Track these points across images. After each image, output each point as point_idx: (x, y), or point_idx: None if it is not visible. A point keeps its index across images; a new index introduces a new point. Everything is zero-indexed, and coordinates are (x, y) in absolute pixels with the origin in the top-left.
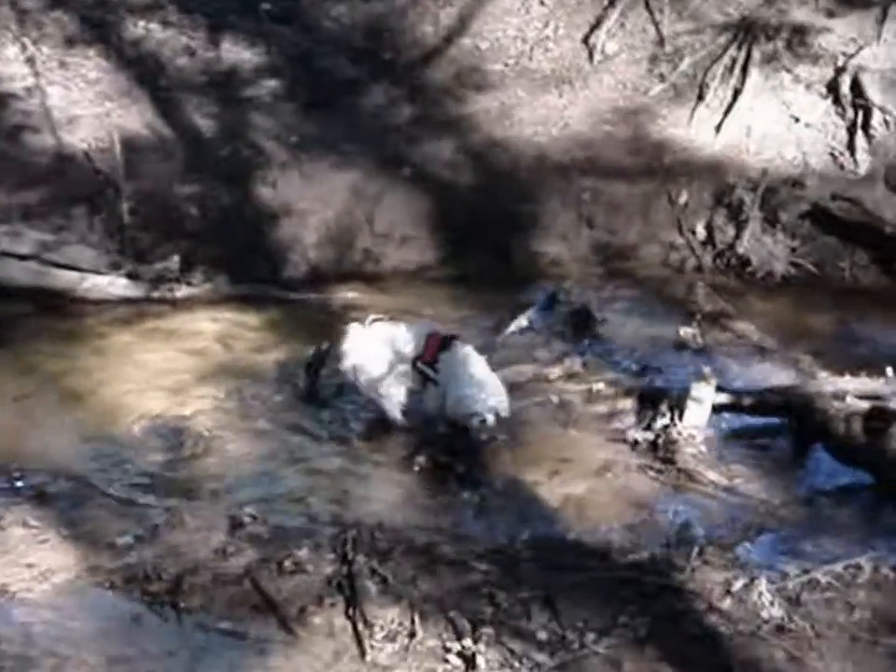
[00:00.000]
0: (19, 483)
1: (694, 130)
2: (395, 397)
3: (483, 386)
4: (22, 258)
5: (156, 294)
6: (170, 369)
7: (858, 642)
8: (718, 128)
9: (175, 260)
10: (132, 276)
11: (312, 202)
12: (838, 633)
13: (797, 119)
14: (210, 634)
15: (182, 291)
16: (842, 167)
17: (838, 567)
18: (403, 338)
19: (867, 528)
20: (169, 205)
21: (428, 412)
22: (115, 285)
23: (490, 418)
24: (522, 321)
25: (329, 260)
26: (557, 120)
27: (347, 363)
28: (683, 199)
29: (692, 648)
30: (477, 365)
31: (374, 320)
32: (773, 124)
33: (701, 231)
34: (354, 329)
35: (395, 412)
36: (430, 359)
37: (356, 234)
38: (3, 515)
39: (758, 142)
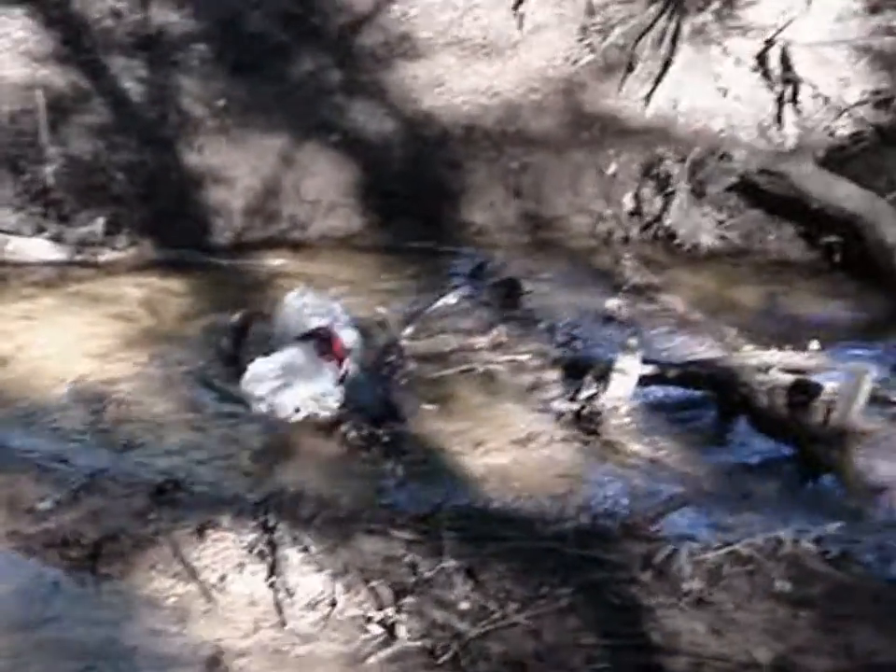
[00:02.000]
0: None
1: (624, 101)
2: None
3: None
4: None
5: (80, 258)
6: (93, 333)
7: (778, 615)
8: (647, 99)
9: (100, 224)
10: (55, 239)
11: (239, 167)
12: (759, 606)
13: (726, 92)
14: (130, 600)
15: (106, 255)
16: (770, 141)
17: (759, 540)
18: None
19: (789, 501)
20: (94, 169)
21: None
22: (38, 248)
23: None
24: (450, 299)
25: (256, 227)
26: (487, 89)
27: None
28: (612, 170)
29: (613, 618)
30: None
31: (309, 291)
32: (702, 96)
33: (629, 203)
34: (289, 298)
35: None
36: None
37: (283, 201)
38: None
39: (687, 114)
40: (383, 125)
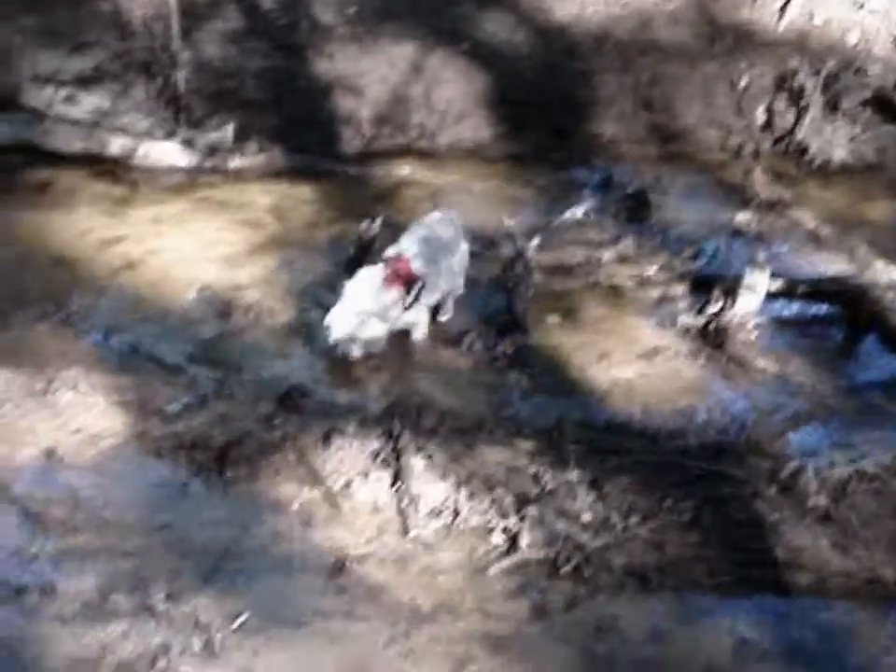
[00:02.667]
0: (70, 349)
1: (758, 12)
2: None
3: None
4: (79, 123)
5: (209, 163)
6: (221, 239)
7: None
8: (781, 11)
9: (230, 130)
10: (186, 144)
11: (369, 75)
12: (884, 523)
13: (862, 5)
14: (255, 504)
15: (236, 161)
16: None
17: (886, 458)
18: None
19: None
20: (225, 74)
21: None
22: (170, 153)
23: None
24: (577, 211)
25: (385, 135)
26: None
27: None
28: (744, 82)
29: (736, 533)
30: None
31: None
32: (837, 9)
33: (760, 116)
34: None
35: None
36: None
37: (412, 110)
38: (53, 379)
39: (821, 27)
40: (513, 35)
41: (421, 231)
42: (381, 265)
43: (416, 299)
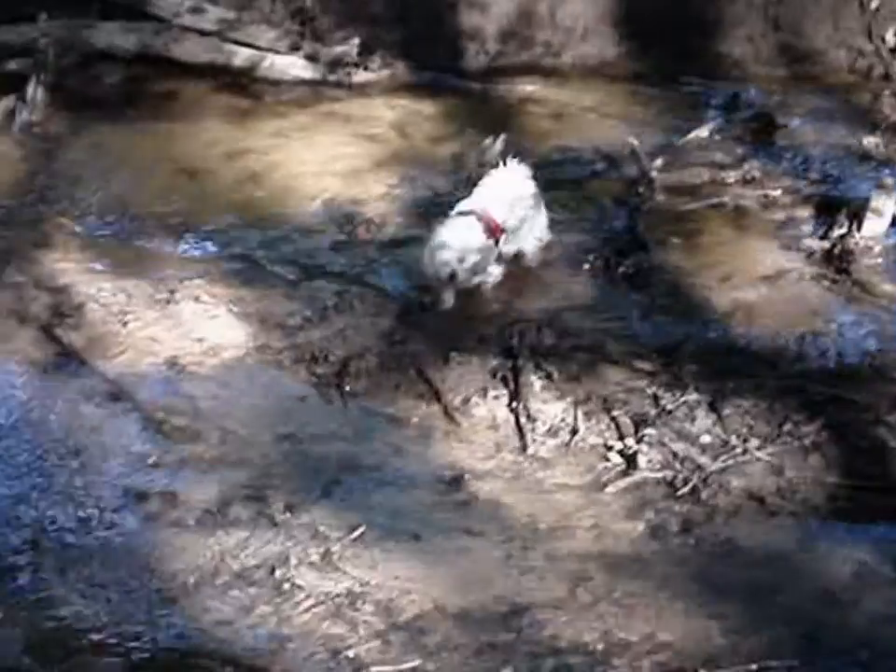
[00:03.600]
0: (192, 259)
1: None
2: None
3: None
4: (204, 34)
5: (333, 77)
6: (344, 153)
7: None
8: None
9: (355, 44)
10: (310, 58)
11: None
12: None
13: None
14: (374, 418)
15: (360, 76)
16: None
17: None
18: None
19: None
20: None
21: None
22: (294, 65)
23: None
24: (702, 131)
25: (509, 52)
26: None
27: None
28: (875, 4)
29: (857, 459)
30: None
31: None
32: None
33: (891, 39)
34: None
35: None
36: None
37: (537, 26)
38: (175, 289)
39: None
40: None
41: (495, 185)
42: (471, 216)
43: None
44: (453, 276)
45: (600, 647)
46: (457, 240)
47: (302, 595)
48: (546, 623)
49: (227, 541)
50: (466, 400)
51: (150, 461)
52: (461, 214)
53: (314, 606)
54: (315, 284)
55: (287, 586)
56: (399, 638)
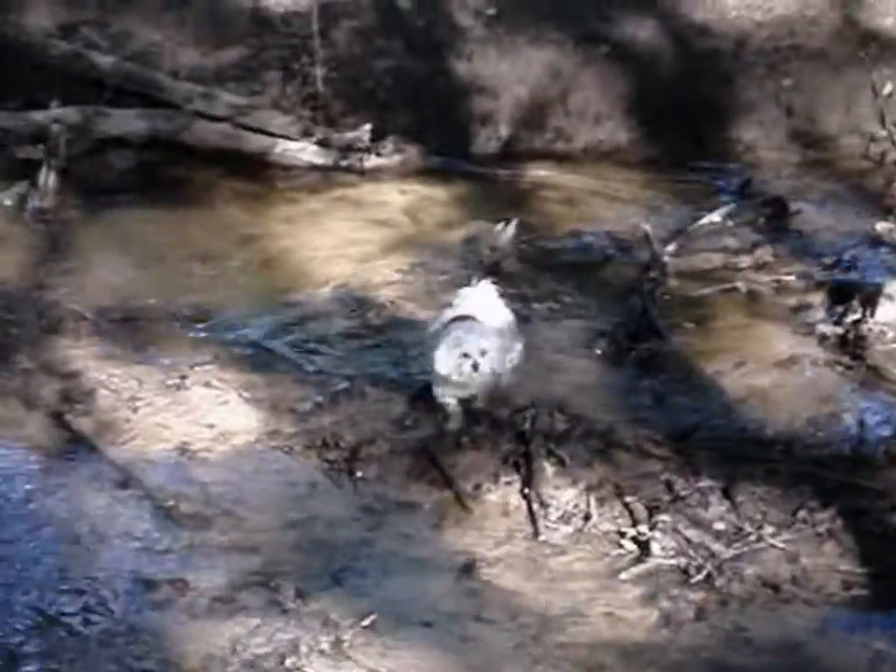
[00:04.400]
0: (203, 345)
1: None
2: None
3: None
4: (216, 119)
5: (345, 163)
6: (356, 238)
7: None
8: None
9: (367, 130)
10: (322, 144)
11: (506, 77)
12: None
13: None
14: (385, 504)
15: (371, 161)
16: None
17: None
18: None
19: None
20: (362, 74)
21: None
22: (306, 151)
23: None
24: (715, 216)
25: (521, 137)
26: (761, 3)
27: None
28: (888, 90)
29: (873, 546)
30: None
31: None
32: None
33: None
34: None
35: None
36: None
37: (549, 112)
38: (186, 375)
39: None
40: (653, 37)
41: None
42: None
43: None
44: (475, 367)
45: None
46: (472, 332)
47: None
48: None
49: (237, 629)
50: (477, 486)
51: (160, 548)
52: (459, 319)
53: None
54: (326, 369)
55: None
56: None
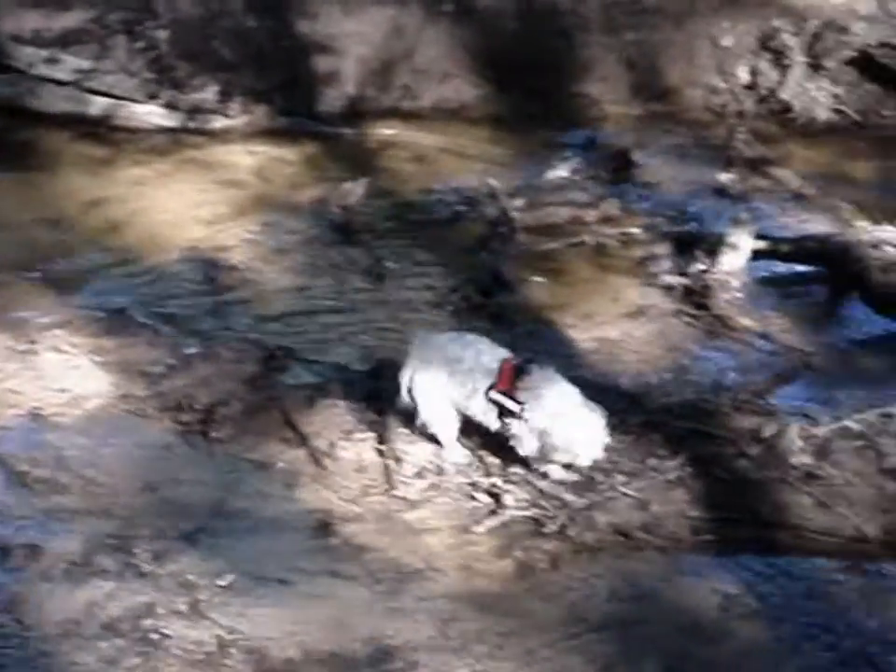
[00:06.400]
0: (53, 309)
1: None
2: (450, 427)
3: (590, 423)
4: (61, 84)
5: (192, 125)
6: (205, 200)
7: (888, 490)
8: None
9: (213, 91)
10: (169, 106)
11: (351, 36)
12: (867, 481)
13: None
14: (240, 464)
15: (219, 123)
16: (889, 13)
17: (870, 416)
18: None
19: None
20: (208, 35)
21: (520, 448)
22: (152, 114)
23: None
24: (561, 171)
25: (368, 96)
26: None
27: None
28: (727, 42)
29: (720, 492)
30: (572, 395)
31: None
32: None
33: (744, 76)
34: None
35: (450, 445)
36: (508, 388)
37: (395, 70)
38: (36, 340)
39: None
40: None
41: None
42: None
43: None
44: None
45: None
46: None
47: (170, 645)
48: (416, 665)
49: (93, 593)
50: (332, 444)
51: (14, 514)
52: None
53: (182, 656)
54: (178, 331)
55: (154, 636)
56: None
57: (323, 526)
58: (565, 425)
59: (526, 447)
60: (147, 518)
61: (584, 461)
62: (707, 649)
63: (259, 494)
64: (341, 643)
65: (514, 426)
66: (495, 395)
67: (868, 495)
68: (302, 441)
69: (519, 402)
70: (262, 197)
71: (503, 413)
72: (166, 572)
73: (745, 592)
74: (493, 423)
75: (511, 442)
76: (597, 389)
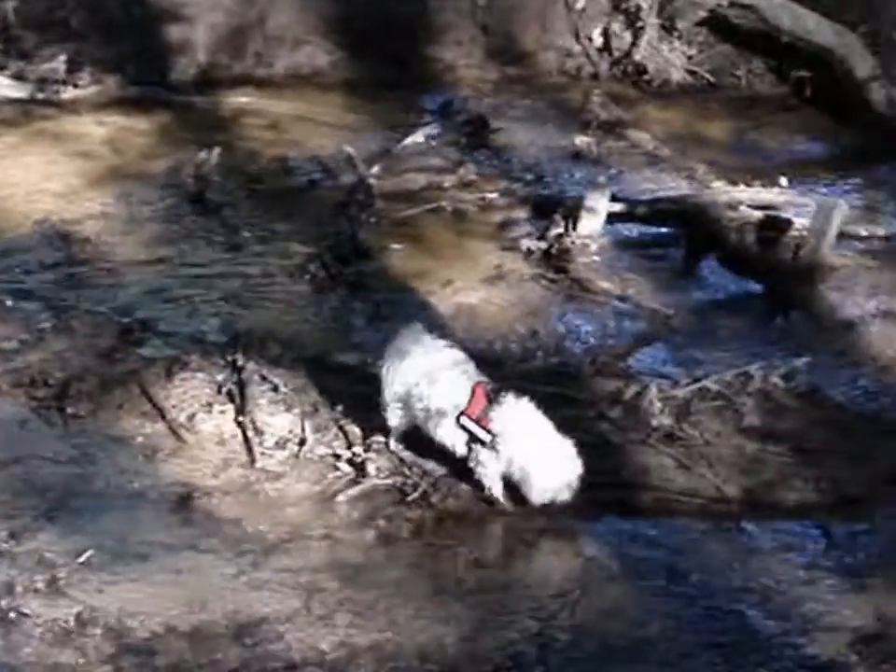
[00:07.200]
0: None
1: None
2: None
3: (562, 457)
4: None
5: (42, 95)
6: (57, 172)
7: (747, 450)
8: None
9: (62, 61)
10: (17, 77)
11: (203, 3)
12: (727, 441)
13: None
14: (97, 439)
15: (69, 93)
16: None
17: (728, 376)
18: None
19: (758, 337)
20: (55, 5)
21: (485, 478)
22: (0, 85)
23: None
24: (418, 137)
25: (220, 64)
26: None
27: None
28: (580, 4)
29: (582, 455)
30: (544, 427)
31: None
32: None
33: (598, 38)
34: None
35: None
36: (478, 415)
37: (247, 37)
38: None
39: None
40: None
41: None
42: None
43: None
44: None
45: (336, 656)
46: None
47: (29, 624)
48: (280, 637)
49: None
50: (191, 417)
51: None
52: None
53: (41, 634)
54: (30, 306)
55: (12, 615)
56: (131, 661)
57: (184, 500)
58: (536, 458)
59: (491, 476)
60: (3, 496)
61: (554, 495)
62: (572, 612)
63: (117, 469)
64: (203, 618)
65: (482, 454)
66: (466, 422)
67: (728, 455)
68: (161, 414)
69: (489, 432)
70: (115, 168)
71: (473, 440)
72: (24, 550)
73: (608, 554)
74: (460, 448)
75: (477, 470)
76: None
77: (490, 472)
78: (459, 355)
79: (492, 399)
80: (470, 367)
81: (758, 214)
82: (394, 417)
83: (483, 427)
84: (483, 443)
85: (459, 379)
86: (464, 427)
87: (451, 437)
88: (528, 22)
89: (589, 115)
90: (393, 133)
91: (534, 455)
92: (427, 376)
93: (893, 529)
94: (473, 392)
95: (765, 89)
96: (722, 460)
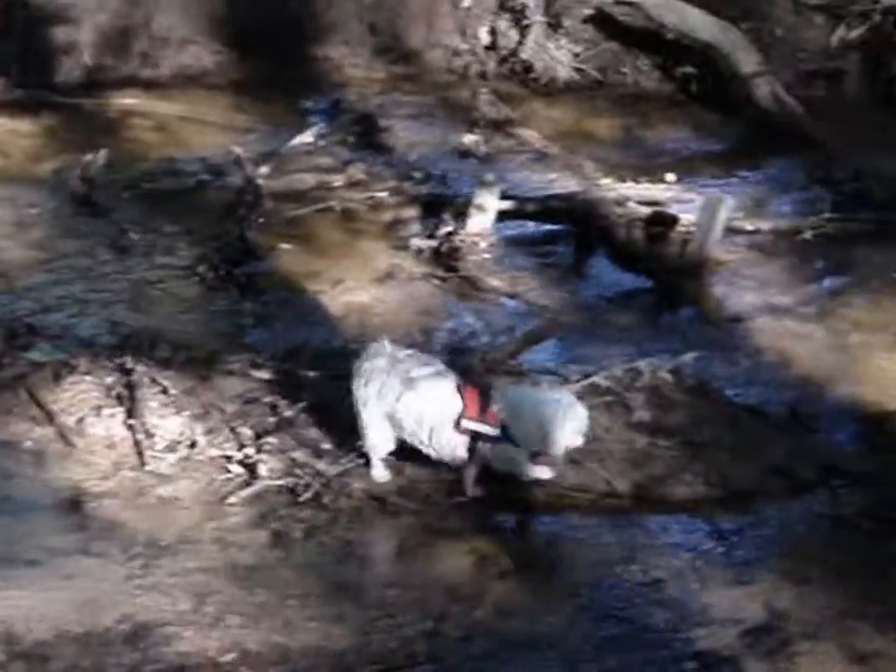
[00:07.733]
0: None
1: None
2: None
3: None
4: None
5: None
6: None
7: (637, 445)
8: None
9: None
10: None
11: (87, 4)
12: (617, 436)
13: None
14: None
15: None
16: None
17: (618, 371)
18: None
19: (647, 333)
20: None
21: (510, 470)
22: None
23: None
24: (306, 136)
25: (106, 65)
26: None
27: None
28: (466, 3)
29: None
30: (539, 392)
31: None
32: None
33: (484, 37)
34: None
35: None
36: (478, 415)
37: (133, 38)
38: None
39: None
40: None
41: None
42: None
43: None
44: None
45: (228, 658)
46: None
47: None
48: (172, 640)
49: None
50: (80, 421)
51: None
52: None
53: None
54: None
55: None
56: (21, 668)
57: (74, 504)
58: (553, 427)
59: (511, 465)
60: None
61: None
62: (466, 609)
63: (5, 473)
64: (94, 622)
65: (488, 450)
66: (468, 424)
67: (618, 450)
68: (50, 418)
69: (494, 426)
70: (0, 171)
71: (476, 439)
72: None
73: (500, 551)
74: (460, 452)
75: (495, 465)
76: (349, 355)
77: (511, 465)
78: (435, 362)
79: (484, 395)
80: (449, 372)
81: (645, 210)
82: (377, 436)
83: (489, 423)
84: (494, 439)
85: (444, 386)
86: (466, 430)
87: (450, 443)
88: (415, 21)
89: (477, 113)
90: (281, 132)
91: (546, 423)
92: (411, 389)
93: (781, 522)
94: (462, 394)
95: (652, 85)
96: (613, 455)
